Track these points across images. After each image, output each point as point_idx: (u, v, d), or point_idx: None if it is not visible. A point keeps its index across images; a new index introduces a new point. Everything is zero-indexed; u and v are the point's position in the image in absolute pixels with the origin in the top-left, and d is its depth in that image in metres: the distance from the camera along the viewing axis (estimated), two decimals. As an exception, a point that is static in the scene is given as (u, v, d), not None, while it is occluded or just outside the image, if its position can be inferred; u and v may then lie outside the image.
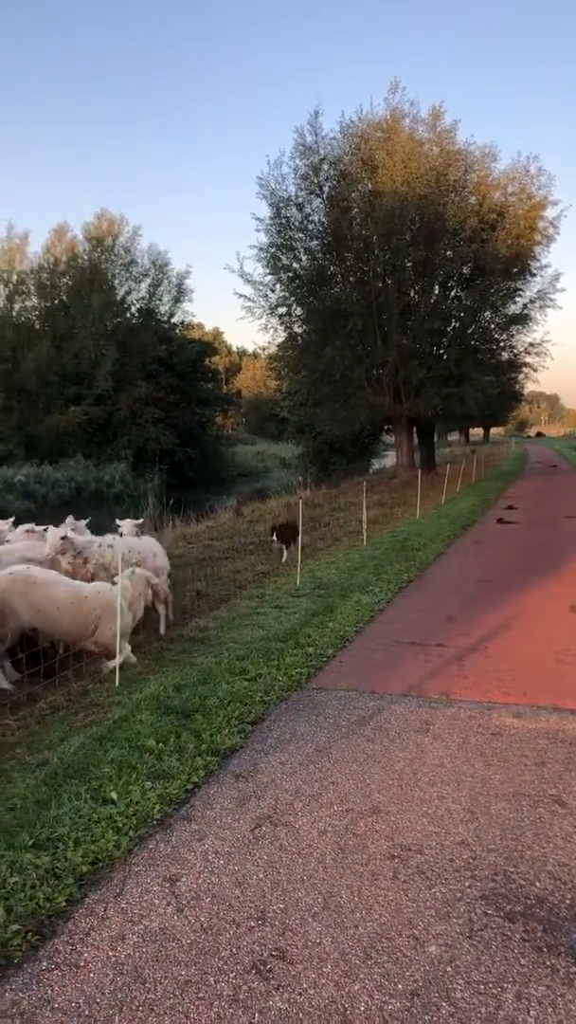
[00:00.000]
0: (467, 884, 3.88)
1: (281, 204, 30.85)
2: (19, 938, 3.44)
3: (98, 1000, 3.08)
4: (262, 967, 3.28)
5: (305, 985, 3.17)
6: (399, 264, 28.90)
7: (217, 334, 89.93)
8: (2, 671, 7.33)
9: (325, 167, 30.21)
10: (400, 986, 3.16)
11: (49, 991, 3.14)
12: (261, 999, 3.09)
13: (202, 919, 3.61)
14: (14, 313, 49.21)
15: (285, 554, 14.22)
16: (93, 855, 4.13)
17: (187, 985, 3.17)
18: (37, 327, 49.32)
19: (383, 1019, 2.99)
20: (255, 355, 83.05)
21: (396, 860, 4.11)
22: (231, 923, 3.58)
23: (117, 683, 7.08)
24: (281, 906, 3.71)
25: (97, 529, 20.86)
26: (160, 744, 5.52)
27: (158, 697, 6.42)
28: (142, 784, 4.92)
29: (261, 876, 3.98)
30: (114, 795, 4.76)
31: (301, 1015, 3.01)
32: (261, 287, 31.51)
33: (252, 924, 3.57)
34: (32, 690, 7.11)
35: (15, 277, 49.25)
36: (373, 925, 3.57)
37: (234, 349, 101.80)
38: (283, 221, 31.05)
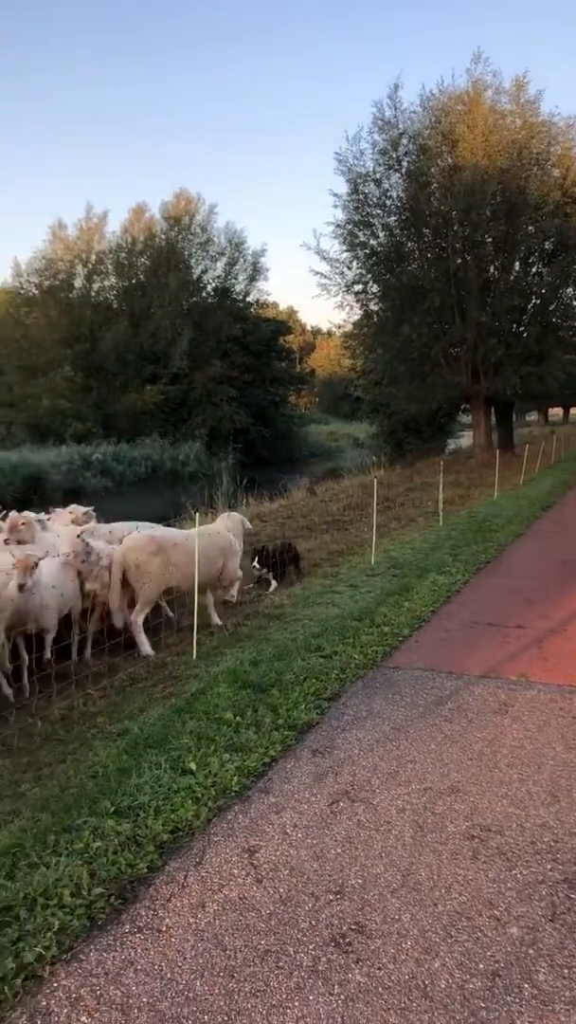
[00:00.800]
0: (549, 867, 3.82)
1: (359, 180, 30.50)
2: (103, 901, 3.51)
3: (179, 964, 3.13)
4: (341, 940, 3.28)
5: (385, 960, 3.16)
6: (479, 239, 28.30)
7: (291, 313, 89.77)
8: (144, 637, 7.57)
9: (404, 141, 29.70)
10: (481, 966, 3.13)
11: (132, 953, 3.20)
12: (341, 971, 3.09)
13: (281, 890, 3.63)
14: (93, 293, 49.92)
15: (273, 584, 10.55)
16: (173, 824, 4.19)
17: (266, 954, 3.19)
18: (115, 307, 49.95)
19: (464, 997, 2.96)
20: (329, 334, 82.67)
21: (476, 840, 4.06)
22: (310, 896, 3.59)
23: (195, 656, 7.16)
24: (359, 881, 3.71)
25: (173, 507, 21.05)
26: (237, 717, 5.56)
27: (235, 671, 6.47)
28: (220, 756, 4.97)
29: (339, 851, 3.98)
30: (193, 766, 4.81)
31: (381, 989, 3.00)
32: (337, 264, 31.28)
33: (331, 897, 3.58)
34: (112, 661, 7.24)
35: (93, 257, 49.88)
36: (453, 904, 3.53)
37: (308, 328, 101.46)
38: (360, 197, 30.69)
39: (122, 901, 3.55)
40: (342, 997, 2.96)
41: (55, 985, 3.00)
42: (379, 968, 3.12)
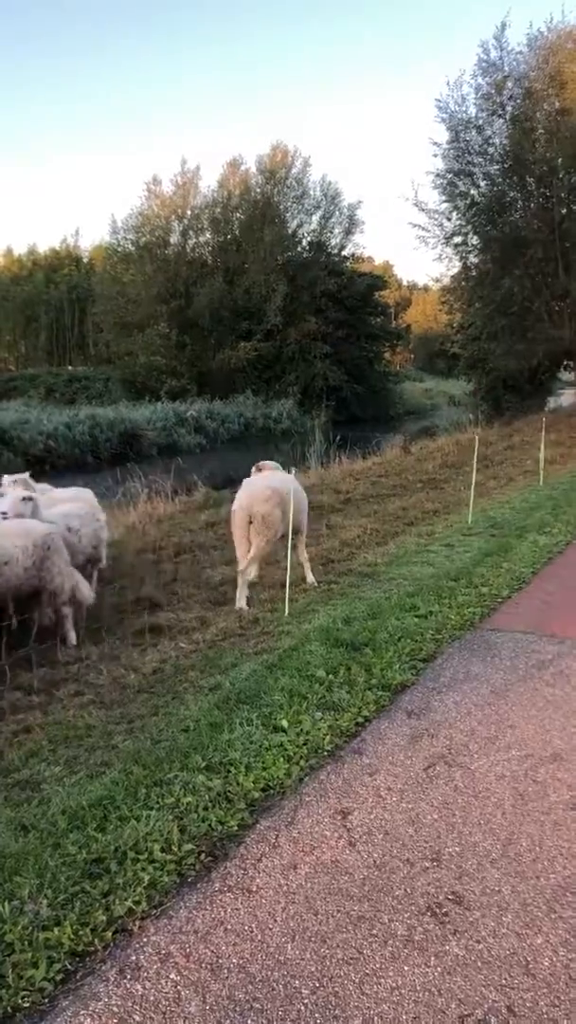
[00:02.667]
0: None
1: (459, 127, 29.40)
2: (192, 857, 3.46)
3: (270, 927, 3.05)
4: (437, 910, 3.15)
5: (484, 933, 3.01)
6: (586, 188, 27.02)
7: (387, 267, 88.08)
8: (245, 591, 7.70)
9: (509, 85, 28.39)
10: (588, 946, 2.95)
11: (222, 912, 3.13)
12: (437, 942, 2.96)
13: (375, 855, 3.51)
14: (188, 249, 49.91)
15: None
16: (264, 781, 4.11)
17: (360, 921, 3.08)
18: (209, 263, 49.84)
19: (570, 977, 2.79)
20: (426, 289, 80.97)
21: (580, 813, 3.86)
22: (405, 862, 3.46)
23: (287, 613, 7.08)
24: (457, 849, 3.56)
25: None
26: (330, 675, 5.45)
27: (327, 629, 6.36)
28: (312, 714, 4.88)
29: (435, 817, 3.83)
30: (284, 723, 4.73)
31: (480, 963, 2.85)
32: (436, 216, 30.34)
33: (427, 865, 3.44)
34: (204, 616, 7.23)
35: (189, 212, 49.80)
36: (556, 878, 3.35)
37: (404, 283, 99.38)
38: (461, 145, 29.61)
39: (212, 858, 3.49)
40: (439, 969, 2.82)
41: (144, 940, 2.97)
42: (478, 941, 2.97)
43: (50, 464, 27.71)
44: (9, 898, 3.11)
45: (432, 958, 2.88)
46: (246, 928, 3.04)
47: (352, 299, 50.41)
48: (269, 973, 2.80)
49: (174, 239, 49.92)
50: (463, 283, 32.47)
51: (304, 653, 5.86)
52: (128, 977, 2.78)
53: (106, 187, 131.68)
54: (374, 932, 3.02)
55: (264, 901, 3.20)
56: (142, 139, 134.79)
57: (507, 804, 3.93)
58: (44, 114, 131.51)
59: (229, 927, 3.05)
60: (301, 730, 4.68)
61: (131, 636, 6.73)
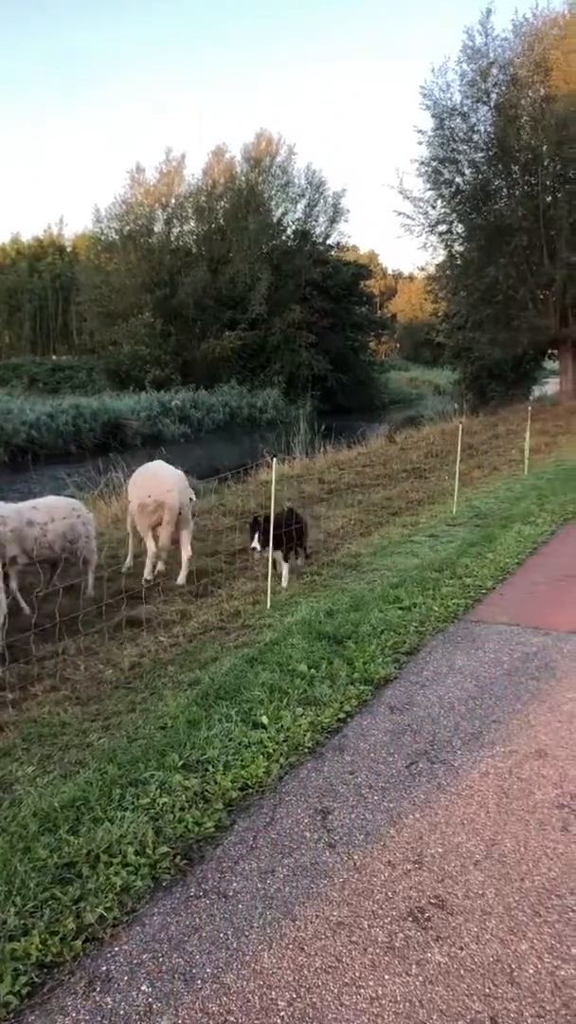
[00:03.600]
0: None
1: (444, 114, 29.17)
2: (168, 861, 3.35)
3: (247, 933, 2.94)
4: (419, 915, 3.05)
5: (467, 939, 2.92)
6: (571, 175, 26.85)
7: (372, 256, 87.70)
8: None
9: (494, 71, 28.17)
10: (575, 951, 2.86)
11: (197, 919, 3.02)
12: (419, 950, 2.87)
13: (355, 857, 3.41)
14: (172, 238, 49.52)
15: (284, 570, 8.00)
16: (243, 780, 4.01)
17: (339, 927, 2.98)
18: (194, 251, 49.45)
19: (555, 985, 2.70)
20: (411, 278, 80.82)
21: (566, 810, 3.77)
22: (386, 864, 3.37)
23: (268, 605, 6.96)
24: (439, 850, 3.46)
25: (251, 454, 20.88)
26: (311, 670, 5.35)
27: (309, 622, 6.25)
28: (293, 710, 4.77)
29: (418, 816, 3.74)
30: (264, 719, 4.62)
31: (463, 971, 2.76)
32: (421, 204, 30.13)
33: (408, 867, 3.35)
34: (185, 609, 7.11)
35: (173, 201, 49.37)
36: (541, 880, 3.26)
37: (389, 272, 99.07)
38: (446, 132, 29.37)
39: (188, 862, 3.38)
40: (420, 979, 2.73)
41: (116, 949, 2.86)
42: (461, 948, 2.88)
43: (32, 454, 27.43)
44: (-25, 906, 2.99)
45: (413, 966, 2.78)
46: (222, 936, 2.94)
47: (337, 288, 50.23)
48: (244, 984, 2.70)
49: (158, 228, 49.47)
50: (448, 272, 32.32)
51: (286, 647, 5.75)
52: (98, 989, 2.67)
53: (90, 176, 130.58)
54: (354, 939, 2.92)
55: (241, 907, 3.10)
56: (127, 128, 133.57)
57: (491, 803, 3.84)
58: (28, 100, 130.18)
59: (204, 934, 2.94)
60: (281, 726, 4.57)
61: (110, 630, 6.60)
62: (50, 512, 7.22)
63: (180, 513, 8.06)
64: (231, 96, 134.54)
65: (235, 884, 3.24)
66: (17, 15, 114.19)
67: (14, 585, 7.02)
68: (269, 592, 7.07)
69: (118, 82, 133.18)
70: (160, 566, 8.37)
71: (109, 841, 3.41)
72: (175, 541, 8.26)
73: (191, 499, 8.38)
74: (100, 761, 4.14)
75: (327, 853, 3.45)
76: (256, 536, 7.61)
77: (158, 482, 8.18)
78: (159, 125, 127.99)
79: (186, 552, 8.19)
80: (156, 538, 8.15)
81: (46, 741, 4.56)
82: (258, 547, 7.61)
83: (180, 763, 4.11)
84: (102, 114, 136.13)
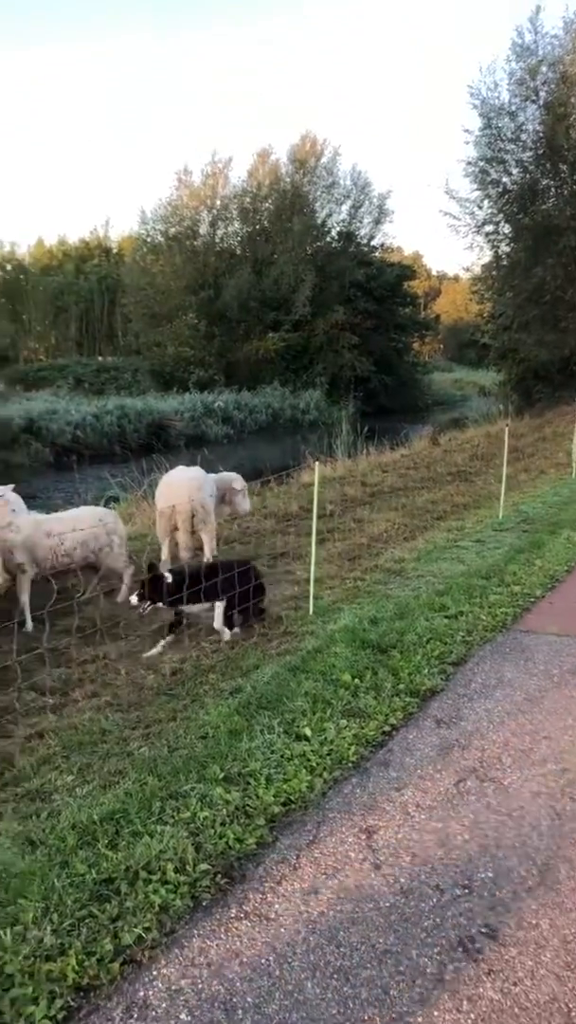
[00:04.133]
0: None
1: (492, 113, 28.89)
2: (208, 879, 3.25)
3: (289, 960, 2.84)
4: (470, 945, 2.92)
5: (521, 974, 2.78)
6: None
7: (417, 257, 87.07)
8: None
9: (543, 70, 27.81)
10: None
11: (238, 943, 2.92)
12: (470, 984, 2.73)
13: (402, 880, 3.29)
14: (217, 239, 49.65)
15: (226, 635, 6.44)
16: (285, 795, 3.90)
17: (385, 955, 2.86)
18: (238, 253, 49.52)
19: (614, 1028, 2.55)
20: (456, 279, 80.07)
21: (623, 835, 3.60)
22: (434, 888, 3.23)
23: (311, 611, 6.84)
24: (490, 875, 3.32)
25: (293, 455, 20.82)
26: (356, 680, 5.22)
27: (353, 629, 6.12)
28: (337, 722, 4.65)
29: (467, 837, 3.59)
30: (308, 731, 4.51)
31: (517, 1010, 2.62)
32: (467, 204, 29.93)
33: (457, 892, 3.21)
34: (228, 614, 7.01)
35: (218, 203, 49.50)
36: (598, 910, 3.10)
37: (434, 273, 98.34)
38: (493, 132, 29.10)
39: (228, 880, 3.28)
40: (472, 1016, 2.60)
41: (154, 973, 2.76)
42: (514, 983, 2.74)
43: (78, 455, 27.65)
44: (12, 923, 2.92)
45: (464, 1002, 2.65)
46: (263, 961, 2.83)
47: (381, 289, 49.94)
48: (287, 1015, 2.59)
49: (203, 230, 49.61)
50: (494, 272, 31.98)
51: (329, 655, 5.63)
52: (135, 1017, 2.58)
53: (136, 178, 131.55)
54: (401, 969, 2.79)
55: (283, 931, 2.99)
56: (172, 130, 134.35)
57: (543, 825, 3.69)
58: (73, 104, 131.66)
59: (245, 959, 2.84)
60: (325, 739, 4.46)
61: (151, 634, 6.53)
62: (73, 522, 7.15)
63: (195, 517, 7.99)
64: (277, 98, 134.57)
65: (277, 906, 3.13)
66: (59, 16, 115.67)
67: (24, 598, 6.89)
68: (312, 598, 6.95)
69: (163, 85, 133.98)
70: None
71: (148, 857, 3.32)
72: (199, 546, 8.17)
73: (207, 499, 8.20)
74: (140, 772, 4.06)
75: (372, 875, 3.33)
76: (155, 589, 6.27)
77: (171, 489, 8.23)
78: (204, 127, 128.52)
79: (207, 556, 8.12)
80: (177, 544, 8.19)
81: (86, 749, 4.49)
82: (135, 600, 6.38)
83: (221, 775, 4.01)
84: (148, 116, 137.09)
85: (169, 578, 6.32)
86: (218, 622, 6.48)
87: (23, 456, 26.96)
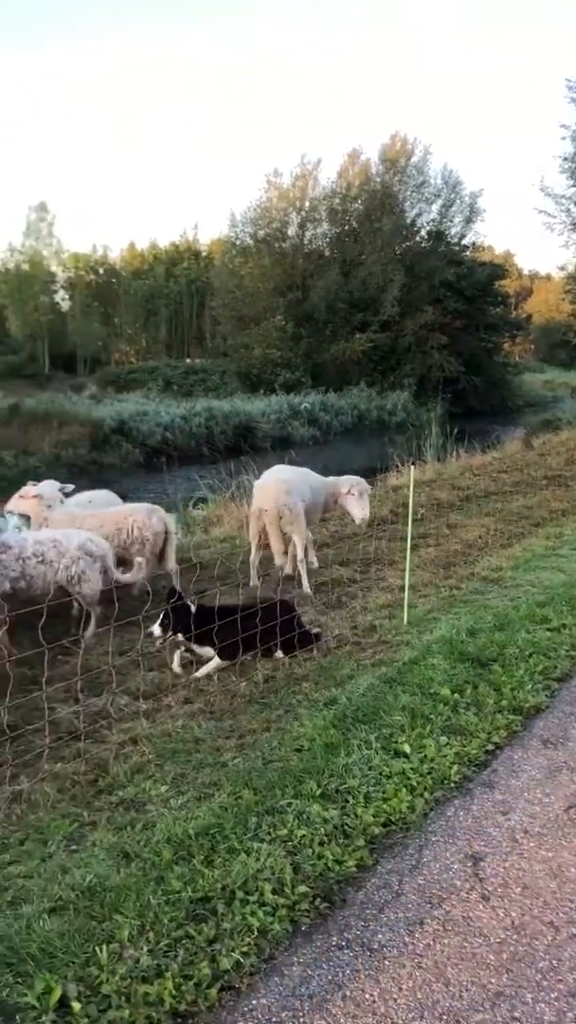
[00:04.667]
0: None
1: (590, 106, 28.06)
2: (307, 902, 3.12)
3: (395, 996, 2.68)
4: (590, 991, 2.71)
5: None
6: None
7: (508, 256, 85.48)
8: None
9: None
10: None
11: (340, 974, 2.78)
12: (592, 1035, 2.53)
13: (512, 914, 3.09)
14: (305, 241, 49.70)
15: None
16: (385, 815, 3.74)
17: (498, 998, 2.67)
18: (326, 254, 49.47)
19: None
20: (548, 277, 78.35)
21: None
22: (547, 925, 3.03)
23: (405, 621, 6.66)
24: (608, 913, 3.10)
25: (380, 458, 20.58)
26: (455, 694, 5.02)
27: (451, 641, 5.91)
28: (436, 738, 4.47)
29: (581, 870, 3.37)
30: (407, 748, 4.34)
31: None
32: (563, 201, 29.19)
33: (574, 931, 3.00)
34: (321, 621, 6.88)
35: (307, 204, 49.52)
36: None
37: (525, 272, 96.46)
38: (591, 126, 28.26)
39: (328, 905, 3.15)
40: (596, 1072, 2.40)
41: (253, 1003, 2.65)
42: None
43: (167, 456, 28.00)
44: (108, 940, 2.85)
45: (587, 1056, 2.45)
46: (367, 997, 2.68)
47: (471, 289, 49.14)
48: (395, 1059, 2.44)
49: (291, 231, 49.74)
50: (590, 270, 31.08)
51: (426, 667, 5.43)
52: (234, 1050, 2.47)
53: (227, 181, 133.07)
54: (516, 1015, 2.61)
55: (387, 964, 2.84)
56: (263, 134, 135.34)
57: None
58: (163, 111, 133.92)
59: (348, 993, 2.70)
60: (425, 756, 4.28)
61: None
62: (109, 518, 7.57)
63: (282, 519, 7.84)
64: (366, 97, 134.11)
65: (380, 936, 2.98)
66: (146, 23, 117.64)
67: None
68: (406, 607, 6.76)
69: (253, 88, 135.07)
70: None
71: (245, 876, 3.21)
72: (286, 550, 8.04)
73: (295, 503, 8.00)
74: (235, 784, 3.96)
75: (480, 907, 3.14)
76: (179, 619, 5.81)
77: (261, 491, 8.14)
78: (294, 129, 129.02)
79: (297, 558, 8.01)
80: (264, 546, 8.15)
81: (180, 758, 4.42)
82: (157, 631, 5.84)
83: (318, 792, 3.87)
84: (240, 120, 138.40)
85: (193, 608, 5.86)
86: (203, 670, 5.82)
87: (115, 457, 27.45)
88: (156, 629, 5.81)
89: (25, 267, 59.94)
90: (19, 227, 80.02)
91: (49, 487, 7.71)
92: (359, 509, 8.71)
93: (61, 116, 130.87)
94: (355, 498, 8.69)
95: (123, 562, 7.39)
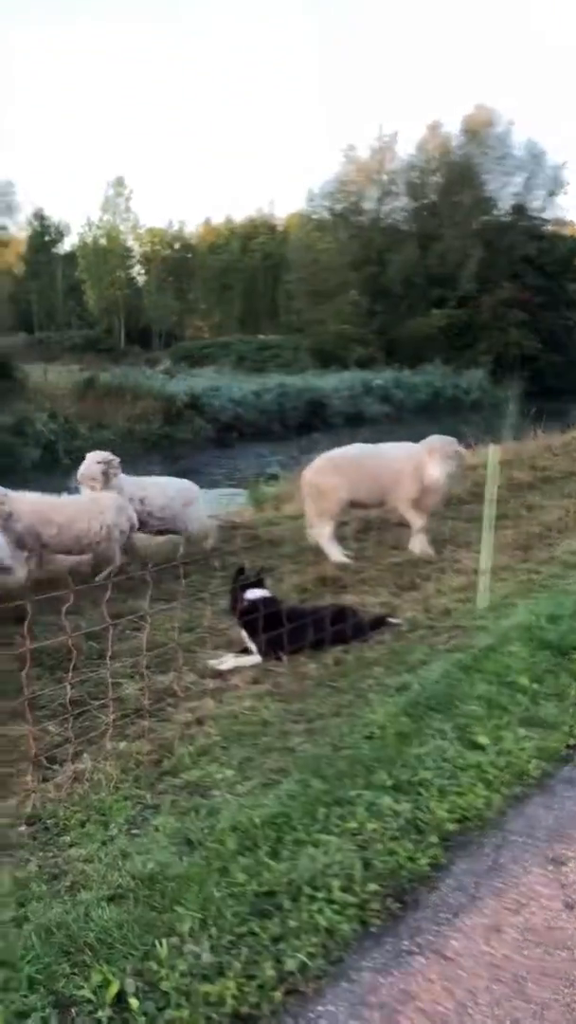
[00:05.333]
0: None
1: None
2: (377, 902, 2.95)
3: (471, 1013, 2.50)
4: None
5: None
6: None
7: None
8: None
9: None
10: None
11: (413, 984, 2.61)
12: None
13: (599, 927, 2.88)
14: (382, 215, 49.01)
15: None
16: (460, 811, 3.54)
17: (584, 1021, 2.47)
18: (404, 228, 48.74)
19: None
20: None
21: None
22: None
23: (482, 605, 6.41)
24: None
25: (454, 435, 20.13)
26: (534, 684, 4.78)
27: (530, 627, 5.65)
28: (515, 730, 4.24)
29: None
30: (483, 739, 4.13)
31: None
32: None
33: None
34: (393, 603, 6.68)
35: (385, 178, 48.76)
36: None
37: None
38: None
39: (400, 905, 2.97)
40: None
41: (320, 1009, 2.49)
42: None
43: (237, 431, 27.99)
44: (168, 933, 2.73)
45: None
46: (441, 1010, 2.50)
47: (553, 264, 47.88)
48: None
49: (369, 205, 49.13)
50: None
51: (503, 655, 5.19)
52: (299, 1060, 2.32)
53: (302, 156, 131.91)
54: (604, 1041, 2.40)
55: (463, 974, 2.65)
56: (341, 106, 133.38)
57: None
58: (241, 84, 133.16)
59: (422, 1005, 2.52)
60: (502, 749, 4.06)
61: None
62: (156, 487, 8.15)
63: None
64: (446, 69, 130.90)
65: (455, 943, 2.80)
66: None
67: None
68: (483, 590, 6.51)
69: (333, 62, 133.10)
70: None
71: (313, 871, 3.05)
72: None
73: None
74: (303, 771, 3.80)
75: (564, 916, 2.94)
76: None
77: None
78: (372, 103, 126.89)
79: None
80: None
81: (246, 741, 4.29)
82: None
83: (390, 783, 3.69)
84: (315, 93, 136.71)
85: (254, 594, 5.61)
86: (234, 662, 5.53)
87: (187, 431, 27.55)
88: None
89: (103, 242, 60.49)
90: (97, 202, 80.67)
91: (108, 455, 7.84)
92: (434, 470, 7.99)
93: (141, 90, 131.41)
94: (434, 459, 8.05)
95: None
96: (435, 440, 8.29)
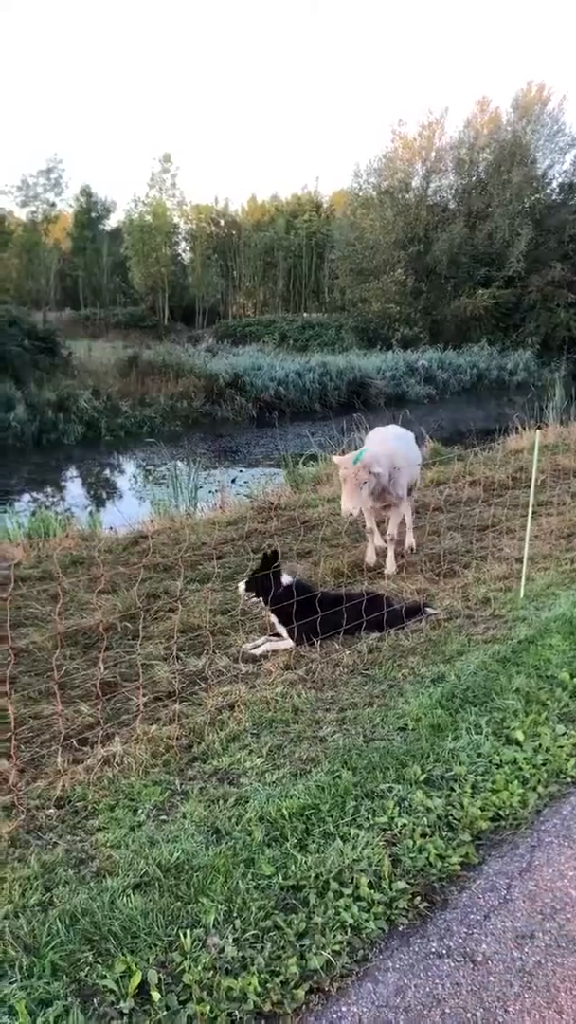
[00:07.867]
0: None
1: None
2: (405, 900, 2.90)
3: (500, 1019, 2.43)
4: None
5: None
6: None
7: None
8: None
9: None
10: None
11: (440, 987, 2.54)
12: None
13: None
14: (429, 192, 48.20)
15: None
16: (494, 808, 3.46)
17: (618, 1034, 2.39)
18: (451, 207, 47.87)
19: None
20: None
21: None
22: None
23: (522, 595, 6.27)
24: None
25: (498, 419, 19.82)
26: (575, 679, 4.66)
27: (571, 619, 5.52)
28: (553, 727, 4.14)
29: None
30: (520, 735, 4.03)
31: None
32: None
33: None
34: (427, 591, 6.58)
35: (433, 155, 47.88)
36: None
37: None
38: None
39: (429, 905, 2.91)
40: None
41: (343, 1010, 2.45)
42: None
43: (279, 411, 27.86)
44: (193, 924, 2.70)
45: None
46: (469, 1016, 2.44)
47: (605, 245, 46.65)
48: None
49: (416, 183, 48.27)
50: None
51: (543, 647, 5.08)
52: (320, 1063, 2.27)
53: (348, 132, 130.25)
54: None
55: (493, 980, 2.58)
56: (388, 82, 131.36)
57: None
58: (287, 62, 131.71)
59: (448, 1010, 2.46)
60: (539, 745, 3.97)
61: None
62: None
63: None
64: (498, 46, 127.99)
65: (485, 946, 2.73)
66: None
67: None
68: (524, 579, 6.37)
69: (379, 37, 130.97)
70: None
71: (340, 865, 3.01)
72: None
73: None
74: (333, 762, 3.75)
75: (599, 923, 2.84)
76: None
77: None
78: (421, 78, 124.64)
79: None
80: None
81: (277, 728, 4.24)
82: (243, 589, 5.68)
83: (422, 777, 3.62)
84: (364, 69, 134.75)
85: (287, 580, 5.58)
86: (266, 647, 5.53)
87: (228, 410, 27.47)
88: (242, 587, 5.67)
89: (148, 218, 60.29)
90: (144, 178, 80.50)
91: None
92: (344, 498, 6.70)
93: (189, 67, 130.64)
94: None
95: None
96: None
